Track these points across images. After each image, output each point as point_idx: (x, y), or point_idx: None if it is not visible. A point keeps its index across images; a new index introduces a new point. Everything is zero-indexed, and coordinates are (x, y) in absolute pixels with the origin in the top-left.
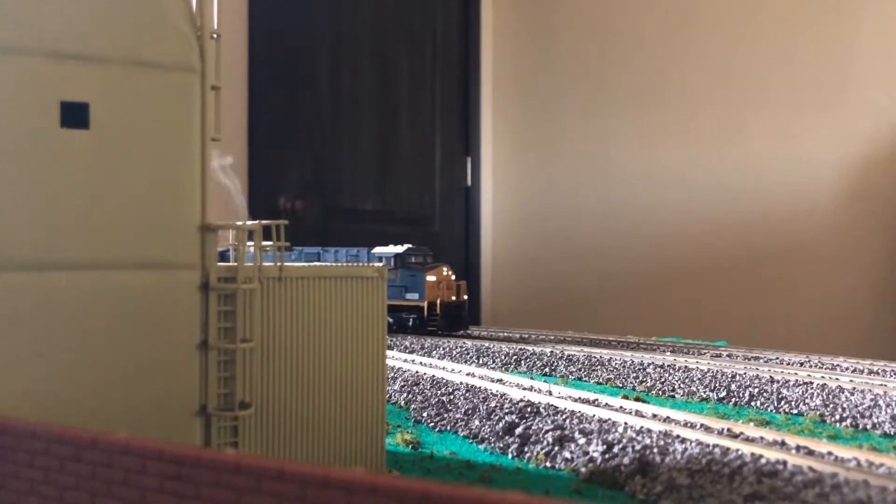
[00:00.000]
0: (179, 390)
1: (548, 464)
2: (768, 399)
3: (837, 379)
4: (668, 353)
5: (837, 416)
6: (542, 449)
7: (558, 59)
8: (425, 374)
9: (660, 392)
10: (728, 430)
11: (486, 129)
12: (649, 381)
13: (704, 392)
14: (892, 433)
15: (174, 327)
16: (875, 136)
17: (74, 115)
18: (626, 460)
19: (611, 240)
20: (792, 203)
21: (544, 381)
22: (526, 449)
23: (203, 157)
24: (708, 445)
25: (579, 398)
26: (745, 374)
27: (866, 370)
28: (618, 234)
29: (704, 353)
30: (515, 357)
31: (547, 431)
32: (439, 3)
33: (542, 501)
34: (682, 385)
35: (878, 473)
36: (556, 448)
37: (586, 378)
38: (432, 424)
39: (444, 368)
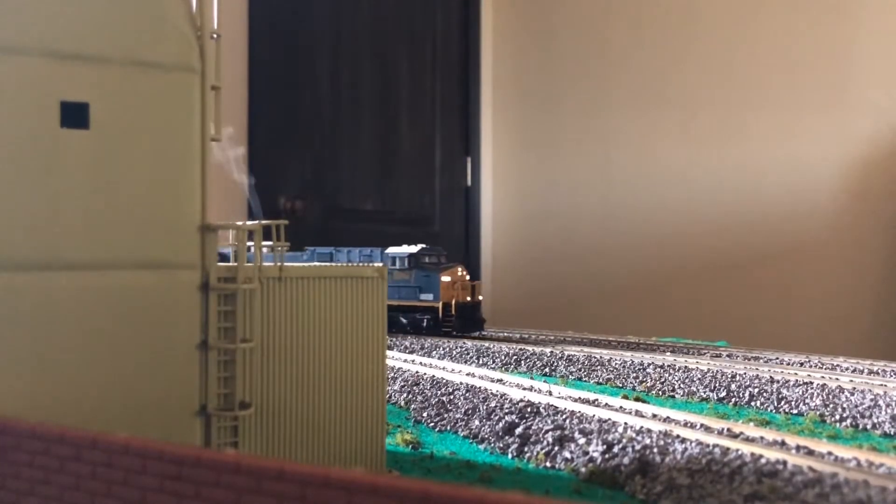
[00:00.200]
0: (179, 390)
1: (548, 464)
2: (768, 399)
3: (837, 379)
4: (668, 354)
5: (837, 416)
6: (542, 449)
7: (558, 59)
8: (425, 374)
9: (660, 392)
10: (728, 430)
11: (486, 129)
12: (649, 381)
13: (704, 392)
14: (892, 433)
15: (174, 327)
16: (875, 136)
17: (74, 115)
18: (626, 460)
19: (611, 240)
20: (792, 203)
21: (544, 382)
22: (526, 449)
23: (203, 157)
24: (708, 445)
25: (579, 398)
26: (745, 374)
27: (866, 370)
28: (618, 234)
29: (704, 353)
30: (515, 357)
31: (547, 431)
32: (439, 3)
33: (542, 501)
34: (682, 385)
35: (878, 473)
36: (556, 448)
37: (586, 378)
38: (432, 424)
39: (444, 368)
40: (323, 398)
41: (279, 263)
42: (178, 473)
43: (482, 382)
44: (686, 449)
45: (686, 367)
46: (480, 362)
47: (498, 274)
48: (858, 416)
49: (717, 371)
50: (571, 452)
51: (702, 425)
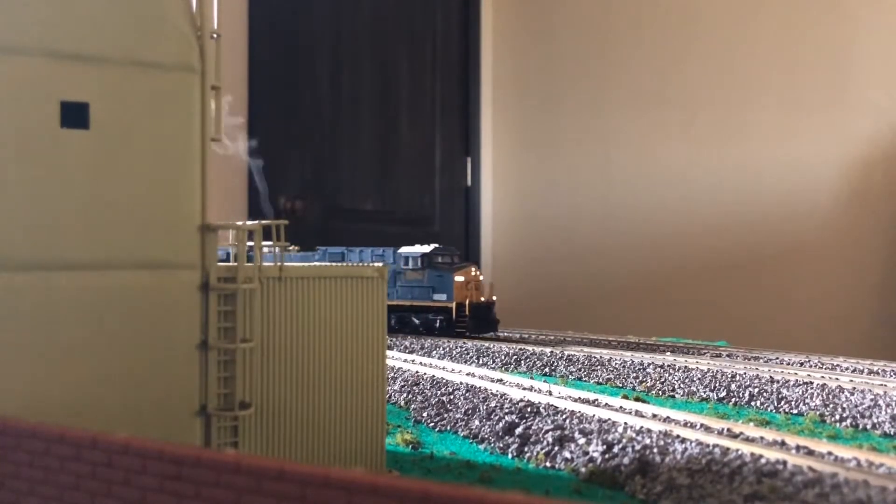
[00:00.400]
0: (179, 390)
1: (548, 464)
2: (768, 399)
3: (837, 379)
4: (668, 353)
5: (837, 416)
6: (542, 449)
7: (558, 59)
8: (425, 374)
9: (660, 392)
10: (728, 430)
11: (486, 129)
12: (649, 381)
13: (704, 392)
14: (892, 433)
15: (174, 327)
16: (875, 136)
17: (74, 115)
18: (626, 460)
19: (611, 240)
20: (792, 203)
21: (544, 381)
22: (526, 449)
23: (203, 156)
24: (708, 445)
25: (579, 398)
26: (744, 374)
27: (866, 370)
28: (618, 234)
29: (704, 353)
30: (515, 357)
31: (547, 431)
32: (439, 3)
33: (542, 501)
34: (682, 385)
35: (878, 473)
36: (556, 448)
37: (586, 378)
38: (432, 424)
39: (444, 368)
40: (323, 398)
41: (279, 263)
42: (178, 473)
43: (482, 382)
44: (686, 449)
45: (686, 366)
46: (480, 362)
47: (498, 274)
48: (858, 416)
49: (717, 371)
50: (571, 452)
51: (702, 425)
